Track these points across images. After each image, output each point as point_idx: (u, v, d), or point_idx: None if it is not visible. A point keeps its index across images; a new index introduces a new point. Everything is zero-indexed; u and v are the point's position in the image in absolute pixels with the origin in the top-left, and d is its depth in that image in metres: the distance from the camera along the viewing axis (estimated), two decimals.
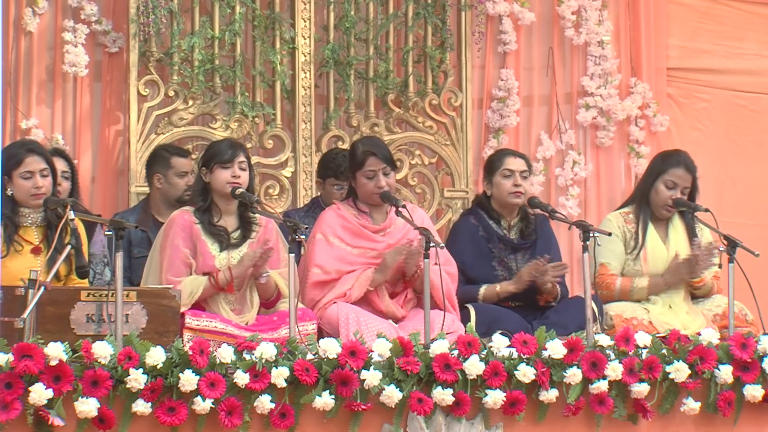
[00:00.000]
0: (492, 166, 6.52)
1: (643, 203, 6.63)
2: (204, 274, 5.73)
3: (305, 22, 7.43)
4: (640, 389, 5.55)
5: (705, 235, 6.67)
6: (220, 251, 5.79)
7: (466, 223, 6.51)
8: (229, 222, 5.87)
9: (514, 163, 6.47)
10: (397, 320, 6.04)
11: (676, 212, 6.65)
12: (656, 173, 6.62)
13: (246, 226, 5.87)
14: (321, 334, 5.76)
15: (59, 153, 6.45)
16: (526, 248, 6.43)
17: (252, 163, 7.12)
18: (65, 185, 6.36)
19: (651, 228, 6.61)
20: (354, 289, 5.96)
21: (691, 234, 6.64)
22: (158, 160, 6.75)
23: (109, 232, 5.10)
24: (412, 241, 5.95)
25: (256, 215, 5.86)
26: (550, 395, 5.42)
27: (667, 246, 6.60)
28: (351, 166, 6.17)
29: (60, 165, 6.33)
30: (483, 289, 6.35)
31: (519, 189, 6.44)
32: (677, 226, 6.66)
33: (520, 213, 6.52)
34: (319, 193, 7.00)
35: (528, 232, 6.49)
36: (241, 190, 5.78)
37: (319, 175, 6.94)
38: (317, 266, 5.99)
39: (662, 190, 6.59)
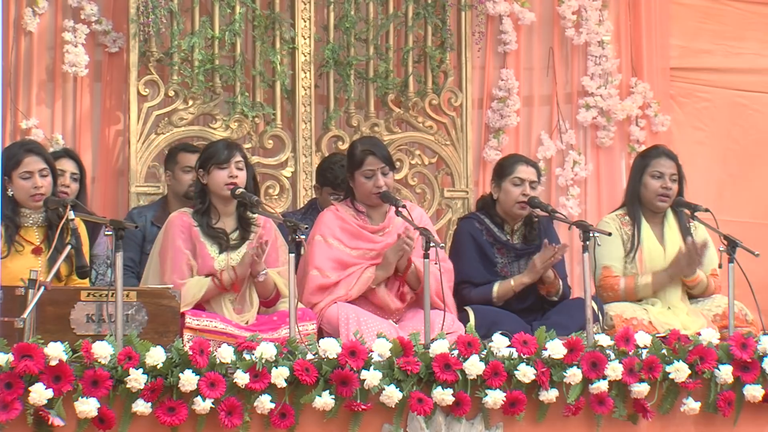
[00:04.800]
0: (503, 171, 6.49)
1: (635, 203, 6.65)
2: (207, 275, 5.73)
3: (305, 22, 7.42)
4: (640, 389, 5.55)
5: (699, 233, 6.68)
6: (219, 253, 5.79)
7: (470, 227, 6.48)
8: (228, 223, 5.86)
9: (526, 172, 6.44)
10: (391, 312, 6.03)
11: (669, 209, 6.67)
12: (641, 169, 6.67)
13: (245, 227, 5.87)
14: (321, 334, 5.77)
15: (69, 154, 6.46)
16: (530, 254, 6.40)
17: (252, 162, 7.17)
18: (74, 187, 6.38)
19: (647, 227, 6.62)
20: (353, 289, 5.96)
21: (685, 232, 6.65)
22: (169, 157, 6.80)
23: (110, 233, 5.09)
24: (400, 235, 5.96)
25: (255, 216, 5.86)
26: (550, 395, 5.42)
27: (663, 245, 6.61)
28: (349, 166, 6.17)
29: (69, 166, 6.35)
30: (497, 286, 6.32)
31: (526, 199, 6.41)
32: (672, 225, 6.67)
33: (524, 218, 6.50)
34: (316, 197, 7.00)
35: (531, 237, 6.47)
36: (241, 190, 5.77)
37: (317, 180, 6.94)
38: (316, 268, 5.99)
39: (650, 182, 6.62)
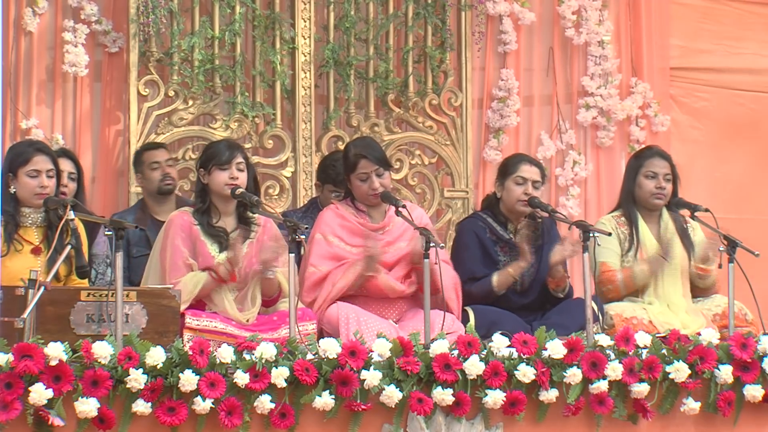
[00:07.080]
0: (507, 169, 6.50)
1: (630, 203, 6.66)
2: (204, 269, 5.73)
3: (305, 22, 7.43)
4: (640, 389, 5.55)
5: (697, 233, 6.69)
6: (220, 252, 5.78)
7: (474, 225, 6.48)
8: (228, 222, 5.87)
9: (529, 172, 6.44)
10: (395, 296, 6.02)
11: (665, 208, 6.67)
12: (635, 170, 6.68)
13: (245, 227, 5.87)
14: (321, 334, 5.77)
15: (66, 154, 6.47)
16: (532, 253, 6.40)
17: (252, 162, 7.16)
18: (71, 186, 6.38)
19: (645, 227, 6.63)
20: (339, 281, 5.95)
21: (682, 232, 6.65)
22: (136, 160, 6.87)
23: (109, 232, 5.09)
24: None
25: (255, 215, 5.86)
26: (550, 395, 5.42)
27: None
28: (345, 169, 6.18)
29: (67, 166, 6.35)
30: (496, 276, 6.32)
31: (527, 198, 6.42)
32: (668, 226, 6.67)
33: (527, 217, 6.51)
34: (317, 195, 7.01)
35: (534, 236, 6.48)
36: (241, 190, 5.77)
37: (318, 178, 6.94)
38: (312, 265, 5.99)
39: (645, 182, 6.63)
